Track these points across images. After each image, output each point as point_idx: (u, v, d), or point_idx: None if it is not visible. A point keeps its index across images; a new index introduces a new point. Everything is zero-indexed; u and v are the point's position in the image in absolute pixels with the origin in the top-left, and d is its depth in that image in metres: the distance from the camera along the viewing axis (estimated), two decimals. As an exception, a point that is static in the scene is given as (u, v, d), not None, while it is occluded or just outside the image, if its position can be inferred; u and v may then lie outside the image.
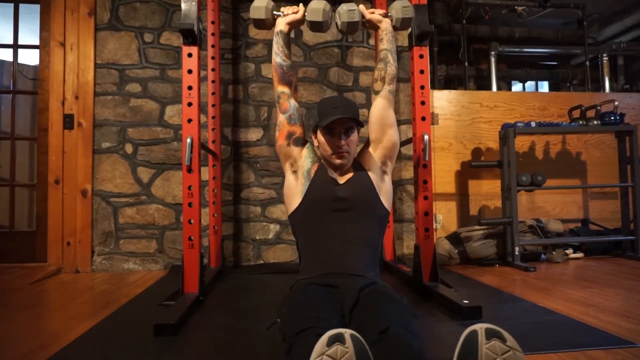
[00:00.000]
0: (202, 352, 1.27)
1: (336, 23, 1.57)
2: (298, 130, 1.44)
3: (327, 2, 1.52)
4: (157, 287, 2.18)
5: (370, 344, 0.96)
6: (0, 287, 2.17)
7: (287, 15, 1.50)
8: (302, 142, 1.45)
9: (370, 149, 1.47)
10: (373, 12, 1.54)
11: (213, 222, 2.53)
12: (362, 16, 1.53)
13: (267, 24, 1.54)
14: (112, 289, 2.15)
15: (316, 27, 1.53)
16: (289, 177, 1.45)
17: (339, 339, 0.84)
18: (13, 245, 2.70)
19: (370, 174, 1.42)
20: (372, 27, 1.57)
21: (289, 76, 1.45)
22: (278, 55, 1.45)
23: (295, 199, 1.41)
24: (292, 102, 1.45)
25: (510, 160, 2.62)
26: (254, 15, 1.52)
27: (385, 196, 1.43)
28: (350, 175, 1.42)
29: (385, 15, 1.55)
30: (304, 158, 1.43)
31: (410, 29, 1.94)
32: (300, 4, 1.53)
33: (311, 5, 1.51)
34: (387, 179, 1.46)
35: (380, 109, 1.48)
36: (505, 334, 0.87)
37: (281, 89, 1.45)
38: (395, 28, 1.56)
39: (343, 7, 1.53)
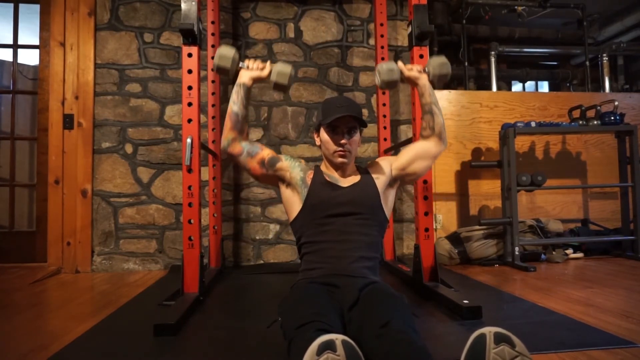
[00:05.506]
0: (202, 352, 1.27)
1: (376, 79, 1.57)
2: (264, 154, 1.44)
3: (292, 67, 1.49)
4: (157, 287, 2.18)
5: (371, 338, 0.96)
6: (0, 287, 2.17)
7: (253, 70, 1.46)
8: (276, 159, 1.45)
9: (390, 165, 1.50)
10: (411, 69, 1.55)
11: (213, 222, 2.53)
12: (401, 73, 1.55)
13: (230, 74, 1.51)
14: (112, 289, 2.15)
15: (279, 88, 1.49)
16: (285, 191, 1.46)
17: (329, 346, 0.82)
18: (13, 245, 2.70)
19: (377, 181, 1.45)
20: (410, 83, 1.59)
21: (242, 124, 1.43)
22: (236, 104, 1.42)
23: (295, 207, 1.42)
24: (244, 142, 1.44)
25: (510, 160, 2.62)
26: (220, 63, 1.47)
27: (387, 205, 1.48)
28: (355, 179, 1.44)
29: (423, 71, 1.56)
30: (292, 169, 1.44)
31: (410, 29, 1.95)
32: (268, 62, 1.50)
33: (278, 67, 1.47)
34: (393, 192, 1.51)
35: (421, 145, 1.51)
36: (515, 339, 0.85)
37: (231, 135, 1.42)
38: (431, 83, 1.56)
39: (383, 66, 1.53)
